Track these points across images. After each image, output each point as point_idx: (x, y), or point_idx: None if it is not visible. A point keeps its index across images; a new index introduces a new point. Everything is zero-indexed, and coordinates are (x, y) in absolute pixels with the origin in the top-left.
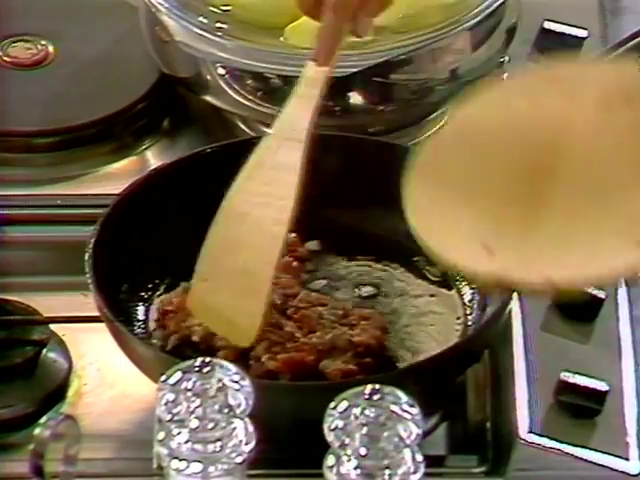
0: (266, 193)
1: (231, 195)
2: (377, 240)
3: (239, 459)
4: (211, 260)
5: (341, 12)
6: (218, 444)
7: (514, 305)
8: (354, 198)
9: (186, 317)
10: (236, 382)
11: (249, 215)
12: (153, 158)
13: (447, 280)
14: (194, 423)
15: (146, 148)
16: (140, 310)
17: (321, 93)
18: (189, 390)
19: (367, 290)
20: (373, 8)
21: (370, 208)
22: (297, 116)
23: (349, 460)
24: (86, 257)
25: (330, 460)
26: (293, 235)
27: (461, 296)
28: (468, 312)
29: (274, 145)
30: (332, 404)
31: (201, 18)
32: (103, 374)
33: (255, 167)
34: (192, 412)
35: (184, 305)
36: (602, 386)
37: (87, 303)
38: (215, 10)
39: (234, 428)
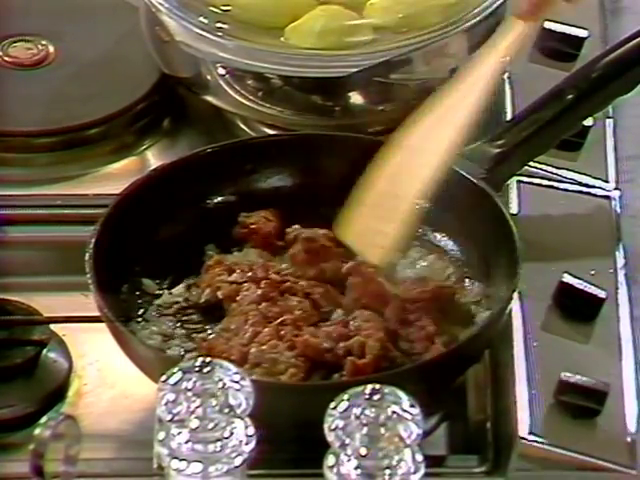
0: (437, 129)
1: (406, 128)
2: None
3: (239, 459)
4: (373, 185)
5: None
6: (218, 444)
7: (514, 305)
8: (354, 198)
9: (222, 272)
10: (236, 382)
11: (417, 147)
12: (153, 158)
13: None
14: (194, 423)
15: (146, 148)
16: (141, 310)
17: (518, 46)
18: (189, 390)
19: None
20: None
21: None
22: (484, 64)
23: (349, 460)
24: (86, 257)
25: (330, 460)
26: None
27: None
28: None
29: (455, 86)
30: (332, 404)
31: (201, 18)
32: (103, 374)
33: (434, 105)
34: (192, 412)
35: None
36: (602, 386)
37: (87, 303)
38: (215, 10)
39: (234, 428)
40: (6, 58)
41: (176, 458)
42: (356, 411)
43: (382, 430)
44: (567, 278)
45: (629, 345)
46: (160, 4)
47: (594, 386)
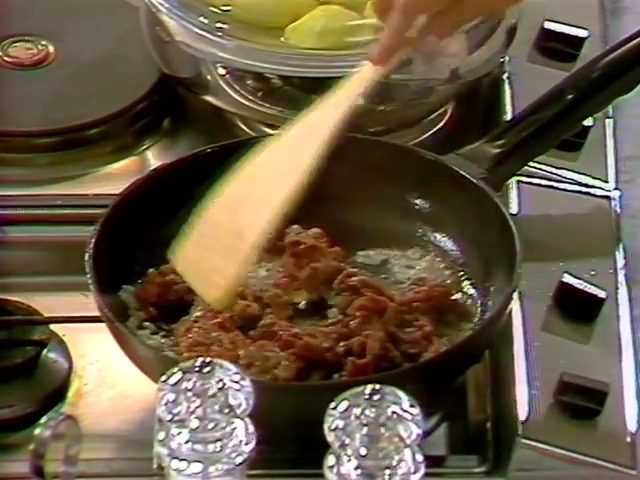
0: (278, 166)
1: (251, 161)
2: (377, 239)
3: (239, 459)
4: (212, 217)
5: (407, 15)
6: (218, 444)
7: (514, 305)
8: (354, 197)
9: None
10: (236, 382)
11: (257, 181)
12: (153, 158)
13: None
14: (194, 423)
15: (146, 148)
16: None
17: (364, 94)
18: (189, 390)
19: None
20: (443, 26)
21: (370, 207)
22: (327, 113)
23: (349, 460)
24: (86, 257)
25: (330, 460)
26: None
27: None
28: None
29: (298, 126)
30: (332, 404)
31: (201, 18)
32: (103, 374)
33: (277, 141)
34: (192, 412)
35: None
36: (602, 386)
37: (87, 303)
38: (215, 10)
39: (234, 428)
40: (6, 58)
41: (176, 458)
42: (356, 411)
43: (382, 430)
44: (567, 278)
45: (629, 345)
46: (160, 4)
47: (594, 386)
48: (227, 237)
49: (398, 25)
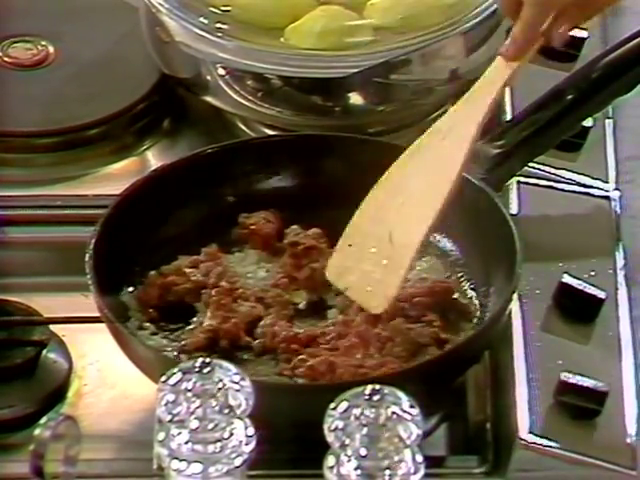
0: (427, 174)
1: (394, 168)
2: None
3: (239, 460)
4: (360, 227)
5: (541, 8)
6: (218, 445)
7: (514, 306)
8: (354, 198)
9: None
10: (236, 382)
11: (407, 189)
12: (153, 159)
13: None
14: (194, 424)
15: (146, 149)
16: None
17: (502, 89)
18: (189, 391)
19: None
20: (574, 15)
21: None
22: (466, 115)
23: (349, 461)
24: (86, 258)
25: (330, 461)
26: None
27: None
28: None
29: (443, 131)
30: (332, 405)
31: (201, 18)
32: (103, 375)
33: (422, 147)
34: (192, 413)
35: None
36: (602, 387)
37: (87, 303)
38: (215, 11)
39: (234, 429)
40: (6, 59)
41: (176, 459)
42: (356, 412)
43: (382, 431)
44: (567, 278)
45: (629, 346)
46: (160, 4)
47: (594, 387)
48: (377, 245)
49: (532, 19)
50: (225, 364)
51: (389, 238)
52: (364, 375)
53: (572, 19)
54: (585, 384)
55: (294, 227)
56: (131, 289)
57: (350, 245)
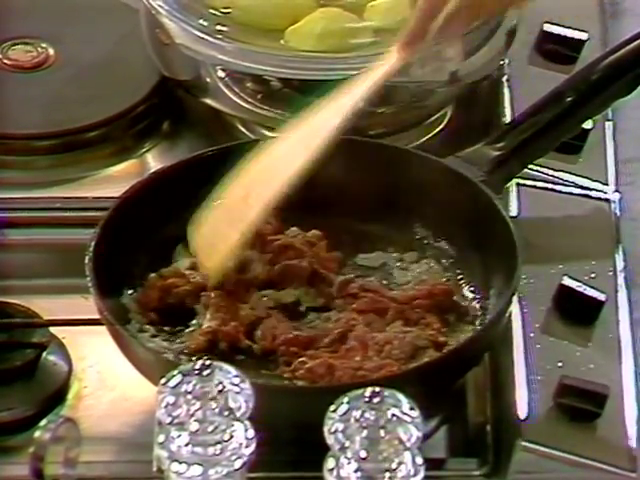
0: (293, 146)
1: (272, 141)
2: (377, 242)
3: (239, 462)
4: (228, 191)
5: (435, 2)
6: (218, 447)
7: (514, 308)
8: (354, 200)
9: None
10: (236, 385)
11: (273, 159)
12: (153, 161)
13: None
14: (194, 426)
15: (146, 151)
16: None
17: (383, 82)
18: (189, 393)
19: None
20: (465, 16)
21: (369, 210)
22: (349, 91)
23: (349, 463)
24: (86, 260)
25: (330, 463)
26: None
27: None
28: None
29: (316, 118)
30: (332, 407)
31: (201, 20)
32: (103, 377)
33: (303, 122)
34: (192, 415)
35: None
36: (602, 389)
37: (87, 306)
38: (215, 12)
39: (234, 431)
40: (6, 61)
41: (176, 461)
42: (356, 414)
43: (382, 433)
44: (567, 281)
45: (629, 348)
46: (160, 6)
47: (594, 389)
48: (239, 208)
49: (426, 11)
50: (225, 366)
51: (246, 199)
52: (363, 377)
53: (464, 20)
54: (585, 386)
55: (293, 229)
56: (131, 291)
57: (217, 209)
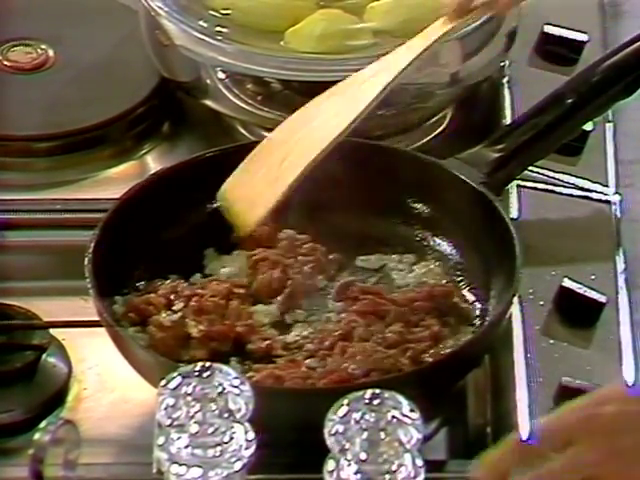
0: (334, 112)
1: (311, 103)
2: (376, 243)
3: (239, 464)
4: (262, 152)
5: None
6: (218, 449)
7: (514, 310)
8: (354, 202)
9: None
10: (236, 387)
11: (311, 123)
12: (153, 162)
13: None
14: (194, 428)
15: (146, 152)
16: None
17: (435, 45)
18: (189, 395)
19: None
20: None
21: (369, 212)
22: (395, 59)
23: (349, 465)
24: (86, 262)
25: (330, 465)
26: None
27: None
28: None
29: (366, 75)
30: (332, 409)
31: (201, 22)
32: (103, 379)
33: (341, 87)
34: (192, 417)
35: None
36: None
37: (87, 307)
38: (215, 14)
39: (234, 433)
40: (6, 62)
41: (176, 463)
42: (356, 416)
43: (382, 435)
44: (567, 283)
45: (629, 350)
46: (160, 8)
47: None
48: (273, 169)
49: None
50: (225, 368)
51: (280, 162)
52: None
53: None
54: (585, 388)
55: (289, 231)
56: (130, 297)
57: (249, 167)
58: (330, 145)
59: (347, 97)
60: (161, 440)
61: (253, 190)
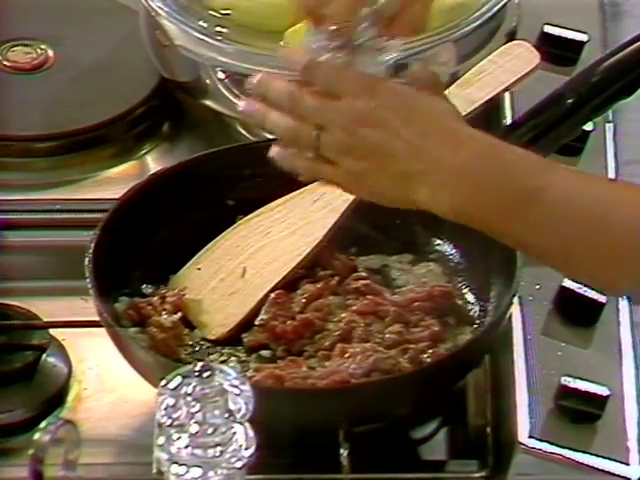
0: (293, 229)
1: (264, 209)
2: (377, 244)
3: (239, 464)
4: (213, 254)
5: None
6: (218, 449)
7: (514, 310)
8: (353, 203)
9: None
10: (236, 387)
11: (269, 235)
12: (153, 162)
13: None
14: (194, 428)
15: (146, 152)
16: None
17: None
18: (189, 395)
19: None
20: None
21: (369, 213)
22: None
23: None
24: (86, 262)
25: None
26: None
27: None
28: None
29: (317, 193)
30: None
31: (201, 22)
32: (103, 379)
33: (295, 202)
34: (192, 417)
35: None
36: (603, 391)
37: (87, 308)
38: (215, 14)
39: (234, 433)
40: (5, 62)
41: (176, 463)
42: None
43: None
44: (567, 282)
45: (629, 350)
46: (160, 8)
47: (594, 391)
48: (226, 277)
49: None
50: (225, 368)
51: (242, 273)
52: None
53: None
54: (585, 388)
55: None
56: (128, 300)
57: (199, 269)
58: (294, 268)
59: (303, 215)
60: (161, 440)
61: (211, 299)
